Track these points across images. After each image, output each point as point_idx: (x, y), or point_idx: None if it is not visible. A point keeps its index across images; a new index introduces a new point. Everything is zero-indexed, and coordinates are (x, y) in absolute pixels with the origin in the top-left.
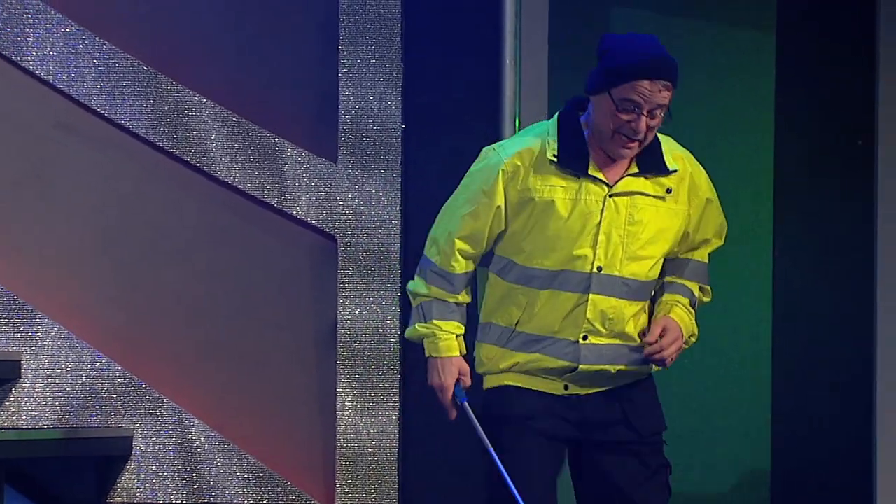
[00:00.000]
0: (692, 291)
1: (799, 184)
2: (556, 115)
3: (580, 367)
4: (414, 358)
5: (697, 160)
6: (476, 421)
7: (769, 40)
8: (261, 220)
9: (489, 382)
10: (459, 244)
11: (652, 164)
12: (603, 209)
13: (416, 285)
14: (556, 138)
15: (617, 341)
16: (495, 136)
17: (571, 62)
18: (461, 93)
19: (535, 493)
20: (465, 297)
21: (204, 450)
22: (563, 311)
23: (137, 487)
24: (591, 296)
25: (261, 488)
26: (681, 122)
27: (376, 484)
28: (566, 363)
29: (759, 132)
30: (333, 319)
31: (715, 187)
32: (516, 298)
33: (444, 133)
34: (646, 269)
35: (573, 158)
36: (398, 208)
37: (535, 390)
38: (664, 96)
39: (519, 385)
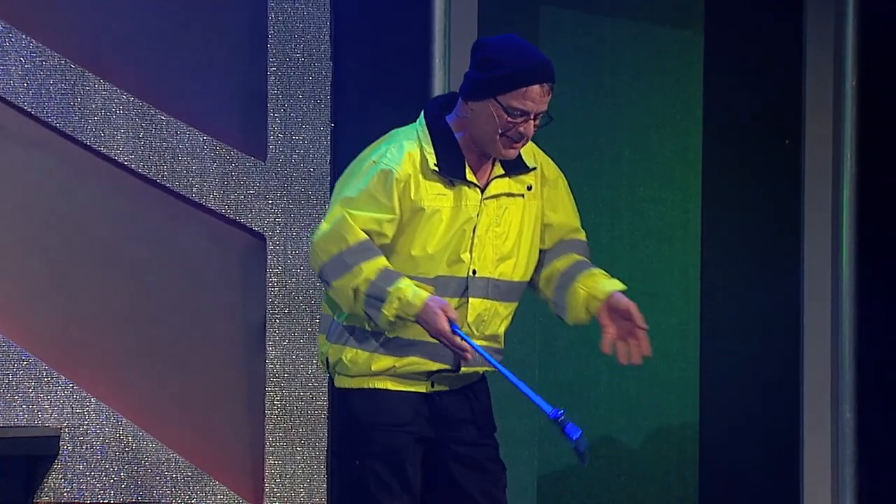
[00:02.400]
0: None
1: (727, 183)
2: (422, 119)
3: (461, 370)
4: None
5: (627, 160)
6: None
7: (698, 39)
8: (189, 218)
9: (351, 383)
10: (362, 233)
11: (514, 163)
12: (479, 212)
13: (342, 292)
14: (431, 146)
15: (488, 343)
16: None
17: None
18: (390, 91)
19: (411, 498)
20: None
21: (132, 449)
22: None
23: (65, 487)
24: (469, 299)
25: (189, 487)
26: (609, 120)
27: (305, 483)
28: (444, 366)
29: (688, 131)
30: (262, 318)
31: (644, 186)
32: None
33: (373, 131)
34: (511, 268)
35: (452, 166)
36: (327, 206)
37: (404, 392)
38: (548, 99)
39: (388, 388)
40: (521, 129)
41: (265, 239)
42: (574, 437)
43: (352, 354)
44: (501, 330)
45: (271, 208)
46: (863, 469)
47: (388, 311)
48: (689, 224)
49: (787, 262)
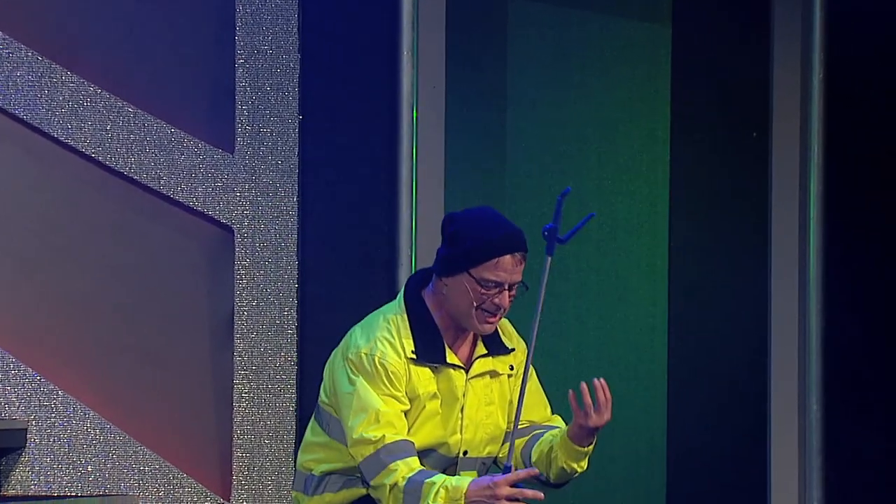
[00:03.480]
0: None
1: (695, 176)
2: (401, 301)
3: None
4: (311, 349)
5: (595, 153)
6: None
7: (665, 32)
8: (157, 211)
9: None
10: (394, 423)
11: (495, 344)
12: (465, 393)
13: (381, 489)
14: (409, 334)
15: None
16: (393, 128)
17: (469, 55)
18: (358, 84)
19: None
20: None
21: (99, 442)
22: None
23: (32, 480)
24: (458, 473)
25: (157, 480)
26: (577, 114)
27: (273, 476)
28: None
29: (655, 124)
30: (230, 311)
31: (612, 180)
32: None
33: (341, 124)
34: (497, 446)
35: (430, 351)
36: (295, 199)
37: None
38: (521, 268)
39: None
40: (496, 300)
41: (233, 231)
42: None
43: (331, 499)
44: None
45: (239, 201)
46: (830, 461)
47: (435, 500)
48: (656, 217)
49: (755, 255)
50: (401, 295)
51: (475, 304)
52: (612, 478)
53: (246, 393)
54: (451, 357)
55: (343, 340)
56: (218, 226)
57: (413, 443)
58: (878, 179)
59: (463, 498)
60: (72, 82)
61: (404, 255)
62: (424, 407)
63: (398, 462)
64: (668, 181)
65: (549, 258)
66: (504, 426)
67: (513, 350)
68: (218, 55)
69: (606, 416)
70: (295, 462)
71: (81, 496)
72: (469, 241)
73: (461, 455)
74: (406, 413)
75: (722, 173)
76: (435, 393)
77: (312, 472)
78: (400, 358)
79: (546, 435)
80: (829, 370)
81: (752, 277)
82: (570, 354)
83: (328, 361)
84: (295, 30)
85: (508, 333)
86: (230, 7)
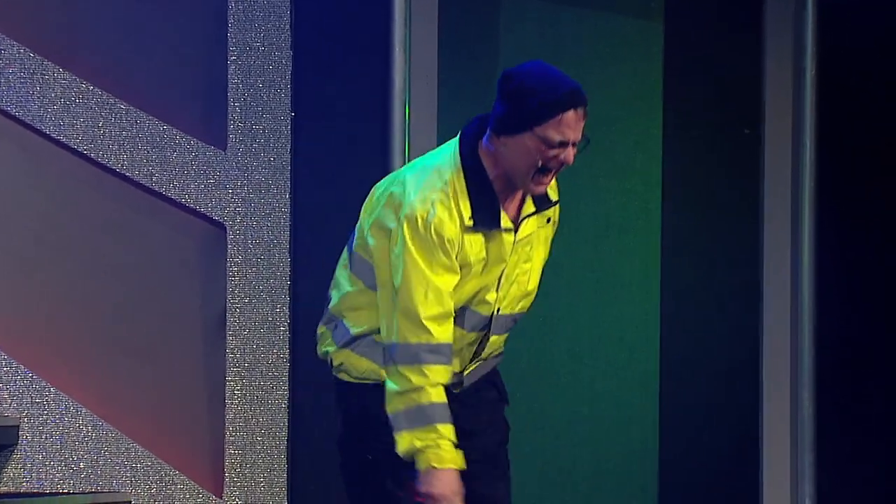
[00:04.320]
0: None
1: (687, 172)
2: (455, 156)
3: (463, 385)
4: (304, 346)
5: (588, 151)
6: None
7: (657, 29)
8: (149, 208)
9: (358, 380)
10: (440, 320)
11: (543, 199)
12: (511, 254)
13: (401, 380)
14: (467, 198)
15: (492, 357)
16: (385, 124)
17: (461, 51)
18: (351, 81)
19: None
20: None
21: (91, 439)
22: (459, 346)
23: (24, 476)
24: (490, 336)
25: (149, 477)
26: None
27: (265, 473)
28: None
29: (648, 121)
30: (223, 308)
31: (605, 177)
32: None
33: (333, 121)
34: (529, 302)
35: (488, 217)
36: (287, 196)
37: None
38: (583, 124)
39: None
40: (563, 157)
41: (225, 228)
42: None
43: (356, 362)
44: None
45: (231, 198)
46: (822, 458)
47: (416, 438)
48: (650, 215)
49: (747, 252)
50: (456, 148)
51: (540, 163)
52: (605, 476)
53: (238, 390)
54: (504, 221)
55: (390, 181)
56: (210, 223)
57: (451, 347)
58: (871, 176)
59: (431, 466)
60: (64, 79)
61: None
62: (471, 270)
63: (433, 367)
64: (661, 178)
65: None
66: (532, 283)
67: (557, 202)
68: (210, 52)
69: None
70: (288, 456)
71: (73, 493)
72: (532, 97)
73: (495, 313)
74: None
75: (715, 170)
76: (484, 258)
77: (347, 326)
78: (455, 226)
79: None
80: (821, 366)
81: (745, 274)
82: (563, 352)
83: (368, 199)
84: (287, 26)
85: (551, 184)
86: (223, 4)
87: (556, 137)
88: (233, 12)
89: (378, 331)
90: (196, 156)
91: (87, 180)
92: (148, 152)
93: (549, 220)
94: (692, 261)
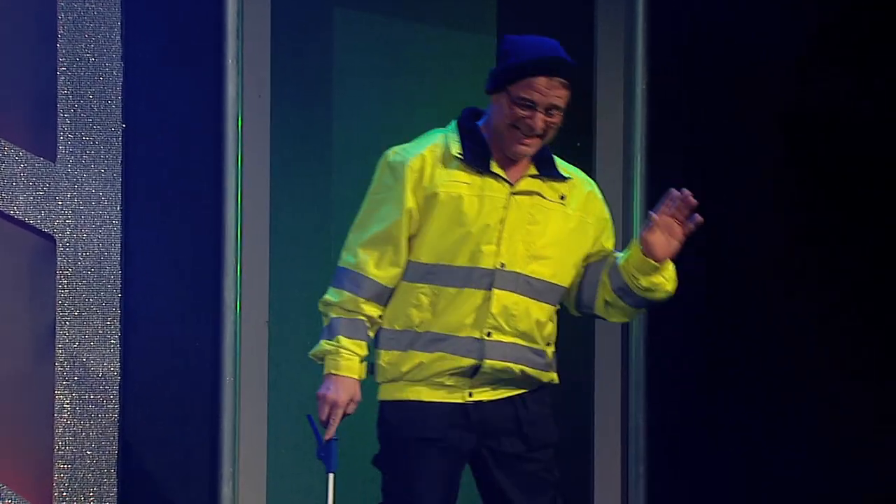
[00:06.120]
0: None
1: None
2: (453, 122)
3: (485, 362)
4: (134, 359)
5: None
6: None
7: (490, 42)
8: None
9: (388, 393)
10: (372, 251)
11: (546, 167)
12: (507, 206)
13: (328, 294)
14: (458, 138)
15: (521, 341)
16: (217, 135)
17: (294, 62)
18: (183, 92)
19: None
20: (373, 310)
21: None
22: (468, 308)
23: None
24: (494, 291)
25: None
26: (403, 124)
27: (95, 487)
28: (471, 361)
29: None
30: (52, 321)
31: None
32: (416, 299)
33: (165, 132)
34: (548, 269)
35: (476, 157)
36: (118, 208)
37: (438, 403)
38: (560, 94)
39: (422, 399)
40: (529, 121)
41: (55, 240)
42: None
43: (386, 356)
44: (538, 332)
45: (61, 209)
46: (652, 468)
47: (325, 345)
48: None
49: None
50: (453, 121)
51: (509, 121)
52: None
53: (67, 404)
54: (496, 167)
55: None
56: (39, 235)
57: (376, 284)
58: (702, 188)
59: (330, 372)
60: None
61: (229, 263)
62: (447, 206)
63: (345, 294)
64: None
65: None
66: (547, 247)
67: (568, 179)
68: (39, 63)
69: (675, 241)
70: (118, 470)
71: None
72: (510, 58)
73: (498, 266)
74: (408, 217)
75: None
76: (463, 196)
77: (382, 326)
78: (424, 157)
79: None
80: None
81: None
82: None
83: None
84: (118, 37)
85: (565, 167)
86: (52, 14)
87: (524, 97)
88: (62, 23)
89: (392, 320)
90: (25, 167)
91: None
92: None
93: (562, 198)
94: None
